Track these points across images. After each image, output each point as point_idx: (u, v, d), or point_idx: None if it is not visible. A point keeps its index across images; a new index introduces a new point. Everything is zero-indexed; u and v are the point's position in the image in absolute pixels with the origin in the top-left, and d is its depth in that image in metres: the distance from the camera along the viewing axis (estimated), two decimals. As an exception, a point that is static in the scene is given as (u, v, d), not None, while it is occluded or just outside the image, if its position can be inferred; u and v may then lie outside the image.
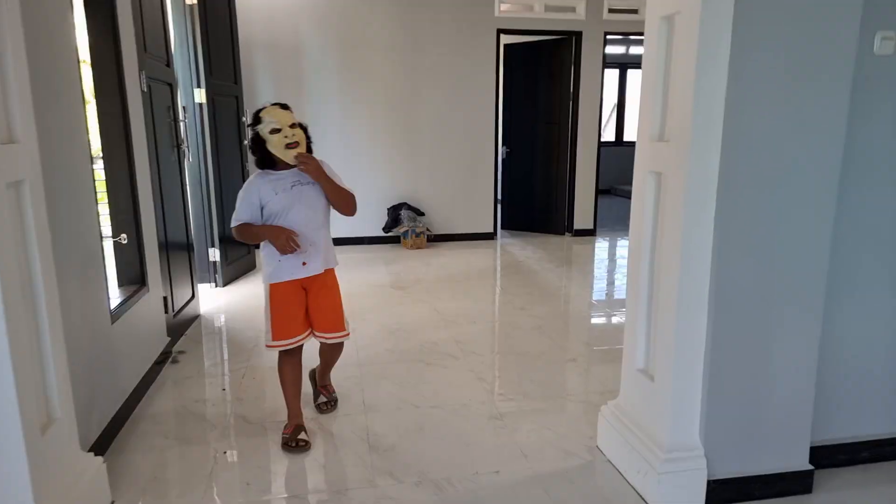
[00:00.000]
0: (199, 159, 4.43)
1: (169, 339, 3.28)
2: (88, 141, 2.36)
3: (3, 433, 1.48)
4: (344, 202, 2.24)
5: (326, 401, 2.58)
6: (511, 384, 2.97)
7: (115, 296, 2.74)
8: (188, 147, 4.01)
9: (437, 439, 2.39)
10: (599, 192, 6.79)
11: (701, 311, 1.86)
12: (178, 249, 3.62)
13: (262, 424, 2.51)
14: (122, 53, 2.77)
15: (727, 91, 1.72)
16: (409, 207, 6.05)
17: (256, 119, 2.15)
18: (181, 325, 3.58)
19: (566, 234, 6.75)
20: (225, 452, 2.29)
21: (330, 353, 2.48)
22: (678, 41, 1.81)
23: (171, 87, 3.64)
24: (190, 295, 3.80)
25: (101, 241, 2.44)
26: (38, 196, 1.67)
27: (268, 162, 2.20)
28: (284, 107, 2.18)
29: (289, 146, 2.12)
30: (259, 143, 2.15)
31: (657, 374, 2.00)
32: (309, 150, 2.22)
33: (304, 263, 2.22)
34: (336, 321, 2.32)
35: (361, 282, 4.82)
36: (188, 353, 3.32)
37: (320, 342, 2.37)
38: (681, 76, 1.79)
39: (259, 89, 5.65)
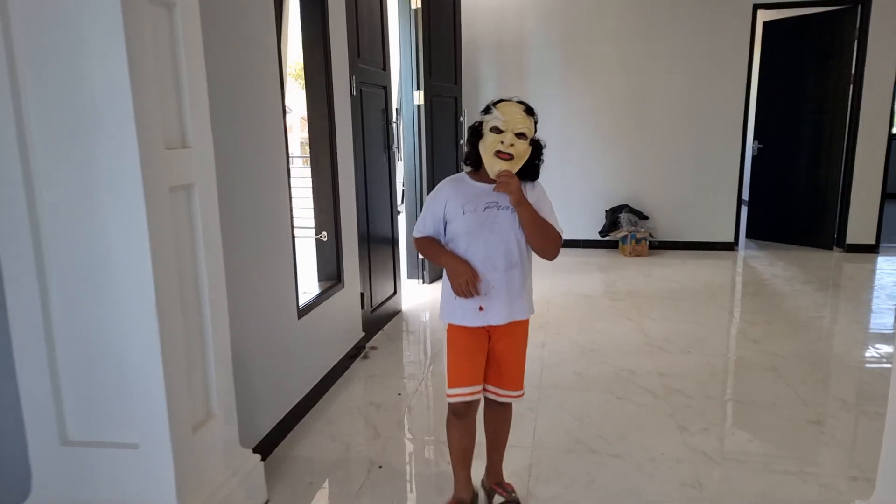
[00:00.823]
0: (416, 160, 4.55)
1: (364, 333, 3.39)
2: (286, 144, 2.49)
3: (151, 429, 1.56)
4: (544, 240, 1.76)
5: (506, 501, 1.96)
6: (723, 442, 2.37)
7: (314, 291, 2.89)
8: (400, 148, 4.12)
9: (609, 498, 1.99)
10: (889, 196, 5.32)
11: None
12: (381, 246, 3.74)
13: (424, 441, 2.40)
14: (331, 62, 2.90)
15: None
16: (631, 210, 5.47)
17: (487, 109, 1.74)
18: (379, 321, 3.69)
19: (835, 248, 5.45)
20: (380, 467, 2.22)
21: (498, 422, 1.98)
22: None
23: (386, 90, 3.76)
24: (391, 291, 3.91)
25: (293, 238, 2.56)
26: (208, 199, 1.74)
27: (472, 162, 1.81)
28: (529, 111, 1.72)
29: (499, 154, 1.68)
30: (475, 137, 1.76)
31: (941, 489, 1.32)
32: (531, 173, 1.77)
33: (480, 308, 1.78)
34: (512, 378, 1.89)
35: (566, 289, 4.47)
36: (379, 350, 3.40)
37: (486, 397, 1.93)
38: None
39: (481, 88, 5.64)
